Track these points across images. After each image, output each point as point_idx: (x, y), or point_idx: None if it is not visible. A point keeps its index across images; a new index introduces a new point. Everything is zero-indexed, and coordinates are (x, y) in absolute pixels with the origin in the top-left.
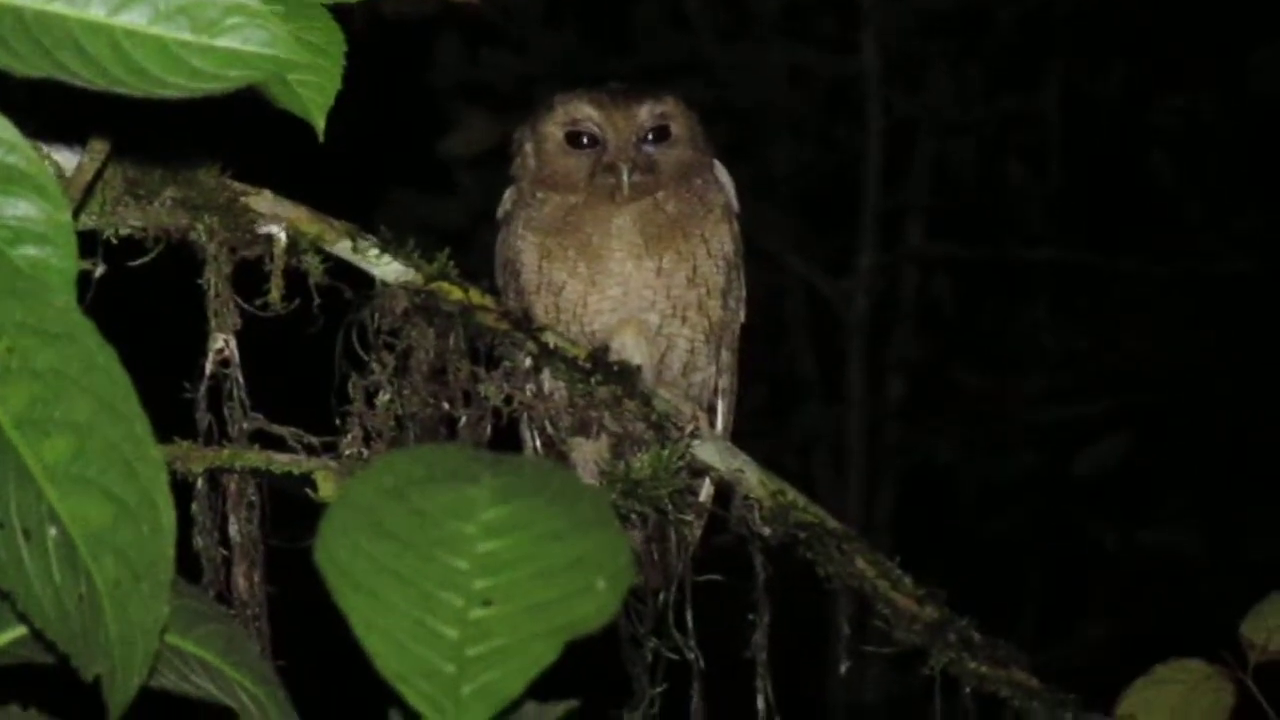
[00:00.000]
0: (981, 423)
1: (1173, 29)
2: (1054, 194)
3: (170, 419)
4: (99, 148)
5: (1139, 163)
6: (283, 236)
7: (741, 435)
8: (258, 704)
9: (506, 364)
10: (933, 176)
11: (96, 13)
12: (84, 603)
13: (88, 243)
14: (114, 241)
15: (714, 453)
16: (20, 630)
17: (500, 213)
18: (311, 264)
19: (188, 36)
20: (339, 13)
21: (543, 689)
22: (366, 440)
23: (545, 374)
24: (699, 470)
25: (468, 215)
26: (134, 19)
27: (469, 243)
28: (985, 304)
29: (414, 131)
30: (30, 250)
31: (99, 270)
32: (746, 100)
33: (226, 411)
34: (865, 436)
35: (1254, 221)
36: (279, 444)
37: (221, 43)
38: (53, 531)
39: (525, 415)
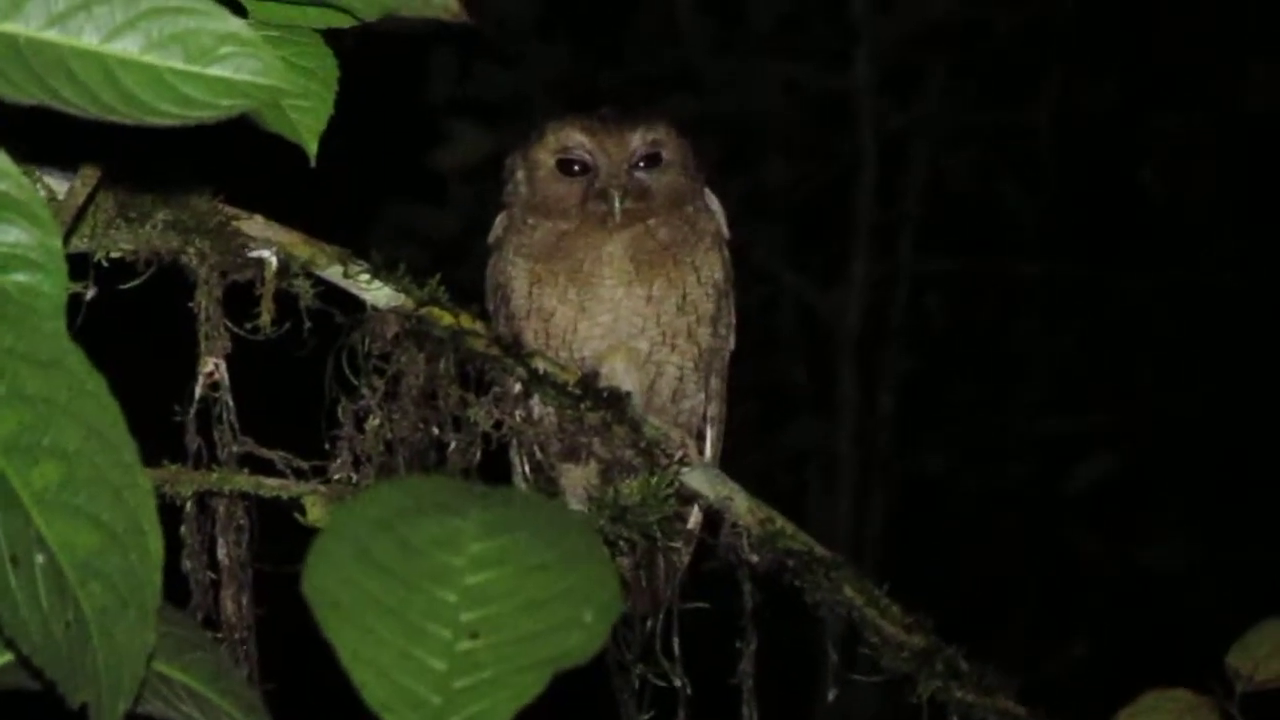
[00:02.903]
0: (973, 437)
1: (1166, 44)
2: (1046, 208)
3: (160, 442)
4: (90, 172)
5: (1132, 177)
6: (274, 260)
7: (733, 449)
8: None
9: (496, 389)
10: (926, 190)
11: (89, 40)
12: (71, 629)
13: (79, 265)
14: (105, 264)
15: (703, 480)
16: (7, 657)
17: (491, 238)
18: (302, 288)
19: (180, 65)
20: (331, 35)
21: (530, 715)
22: (356, 464)
23: (535, 399)
24: (688, 497)
25: (461, 227)
26: (127, 47)
27: (462, 255)
28: (977, 318)
29: (407, 145)
30: (20, 276)
31: (90, 293)
32: (739, 113)
33: (216, 435)
34: (857, 449)
35: (1246, 236)
36: (268, 468)
37: (214, 71)
38: (40, 558)
39: (514, 440)
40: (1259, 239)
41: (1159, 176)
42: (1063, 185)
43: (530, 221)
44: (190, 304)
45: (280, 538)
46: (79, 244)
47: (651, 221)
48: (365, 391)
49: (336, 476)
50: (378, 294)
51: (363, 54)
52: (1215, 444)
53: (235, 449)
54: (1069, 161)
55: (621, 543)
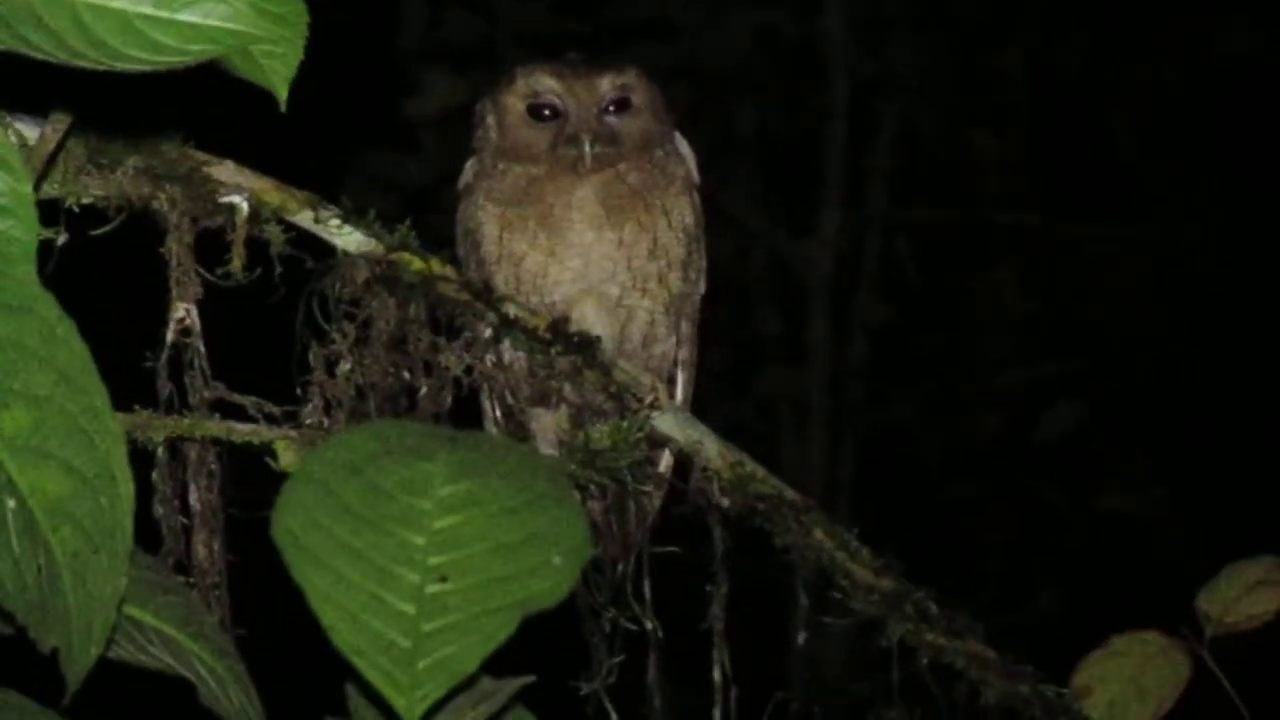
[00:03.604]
0: (943, 385)
1: None
2: (1017, 159)
3: (131, 388)
4: (61, 119)
5: (1102, 129)
6: (245, 206)
7: (705, 397)
8: (215, 676)
9: (467, 334)
10: (897, 140)
11: None
12: (42, 574)
13: (50, 211)
14: (76, 210)
15: (673, 424)
16: None
17: (461, 184)
18: (273, 234)
19: (149, 10)
20: None
21: (500, 659)
22: (327, 410)
23: (505, 344)
24: (658, 441)
25: (432, 175)
26: None
27: (433, 203)
28: (948, 267)
29: (378, 92)
30: None
31: (61, 239)
32: (710, 62)
33: (187, 380)
34: (828, 398)
35: (1214, 188)
36: (240, 413)
37: (183, 17)
38: (11, 503)
39: (485, 385)
40: (1228, 189)
41: (1129, 126)
42: (1034, 135)
43: (500, 167)
44: (161, 250)
45: (252, 483)
46: (50, 190)
47: (622, 166)
48: (336, 337)
49: (308, 422)
50: (348, 239)
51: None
52: (1182, 392)
53: (207, 394)
54: (1040, 111)
55: (592, 487)
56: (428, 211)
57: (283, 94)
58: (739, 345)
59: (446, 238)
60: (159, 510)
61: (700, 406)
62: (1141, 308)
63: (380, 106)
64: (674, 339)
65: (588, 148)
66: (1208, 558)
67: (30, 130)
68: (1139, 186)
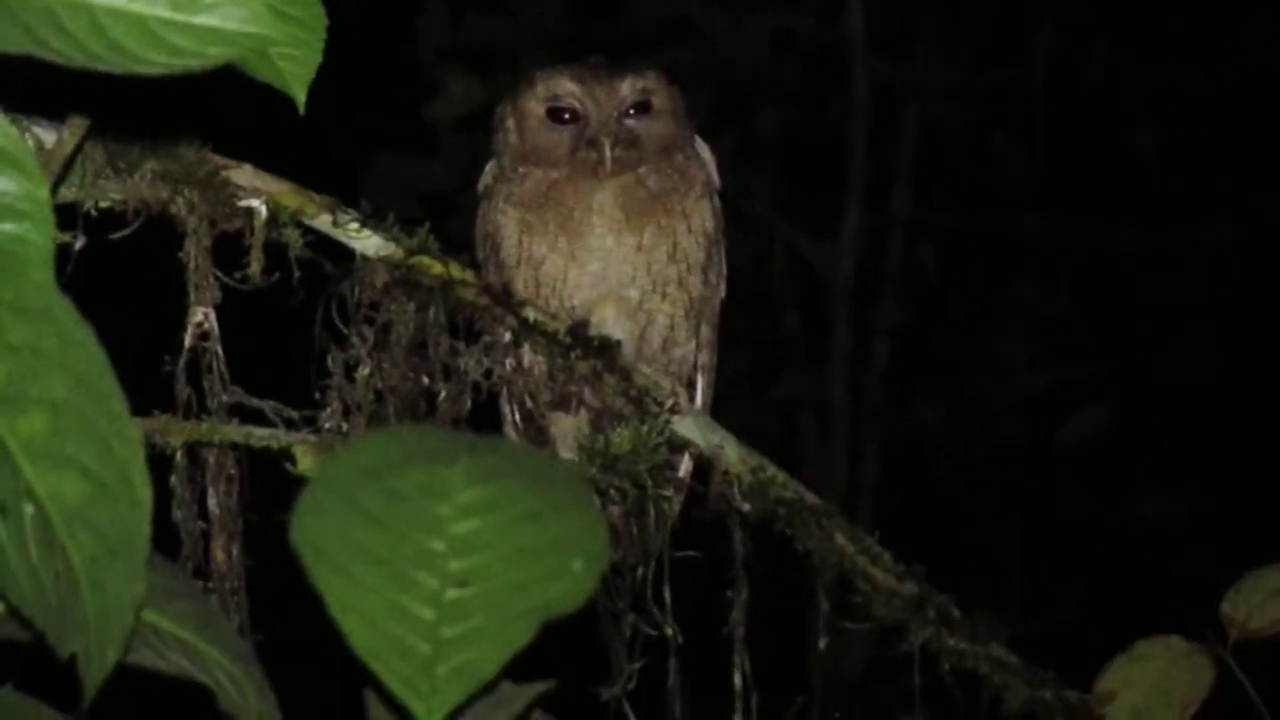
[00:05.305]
0: (966, 389)
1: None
2: (1039, 162)
3: (150, 392)
4: (79, 122)
5: (1126, 131)
6: (263, 210)
7: (726, 400)
8: (233, 681)
9: (486, 338)
10: (919, 142)
11: None
12: (60, 580)
13: (68, 215)
14: (94, 214)
15: (693, 428)
16: None
17: (481, 187)
18: (292, 237)
19: (168, 14)
20: None
21: (519, 664)
22: (346, 414)
23: (525, 348)
24: (678, 445)
25: (451, 178)
26: None
27: (452, 206)
28: (970, 270)
29: (398, 95)
30: (8, 226)
31: (79, 243)
32: (732, 64)
33: (206, 385)
34: (850, 401)
35: (1238, 193)
36: (258, 417)
37: (201, 20)
38: (29, 508)
39: (505, 389)
40: (1252, 194)
41: (1153, 131)
42: (1056, 138)
43: (520, 170)
44: (179, 254)
45: (270, 487)
46: (68, 194)
47: (642, 170)
48: (355, 341)
49: (327, 426)
50: (367, 243)
51: (354, 3)
52: (1208, 398)
53: (225, 399)
54: (1062, 115)
55: (612, 491)
56: (447, 214)
57: (301, 97)
58: (760, 348)
59: (466, 241)
60: (177, 515)
61: (720, 409)
62: (1165, 312)
63: (399, 109)
64: (694, 343)
65: (608, 151)
66: (1231, 564)
67: (48, 134)
68: (1162, 190)
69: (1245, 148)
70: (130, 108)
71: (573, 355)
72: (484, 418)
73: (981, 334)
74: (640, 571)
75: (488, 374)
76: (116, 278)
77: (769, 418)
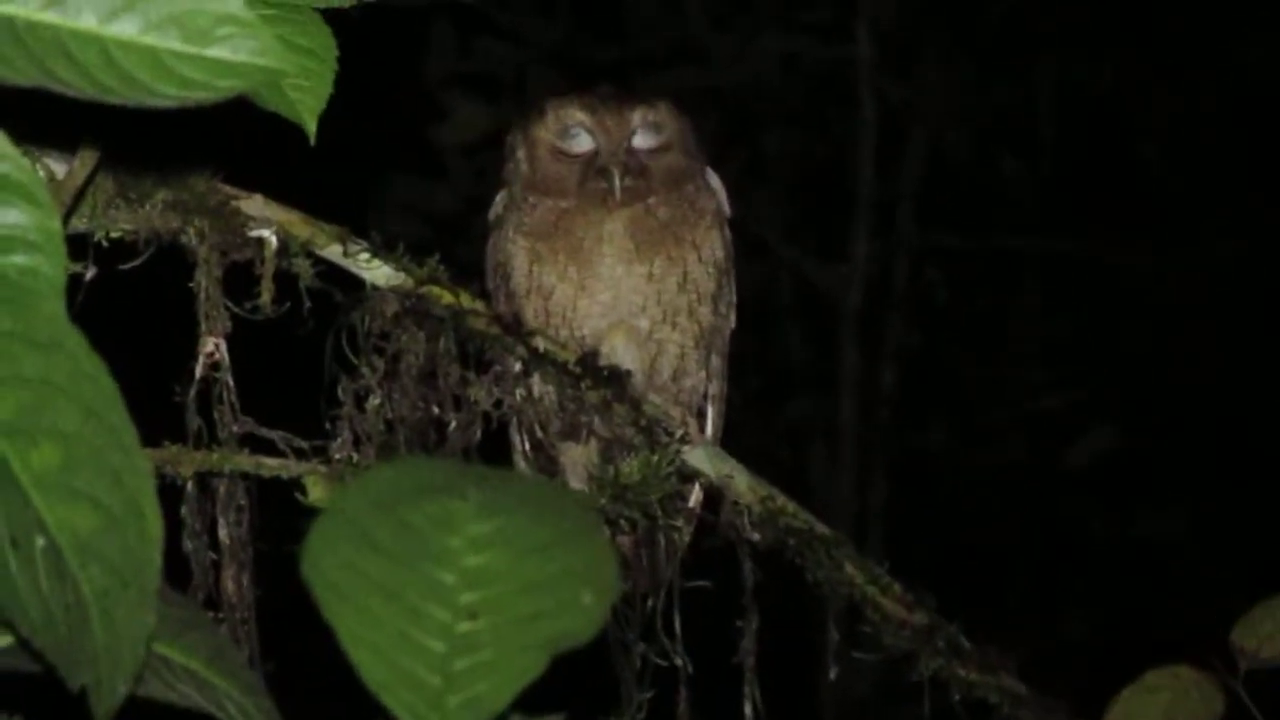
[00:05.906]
0: (974, 410)
1: (1165, 18)
2: (1046, 184)
3: (160, 422)
4: (89, 153)
5: (1130, 153)
6: (273, 240)
7: (733, 424)
8: (243, 712)
9: (496, 368)
10: (926, 165)
11: (88, 22)
12: (71, 611)
13: (78, 246)
14: (105, 244)
15: (703, 458)
16: (7, 639)
17: (492, 216)
18: (302, 267)
19: (178, 46)
20: (330, 13)
21: (530, 695)
22: (356, 444)
23: (535, 378)
24: (688, 475)
25: (460, 203)
26: (125, 28)
27: (462, 230)
28: (979, 292)
29: (407, 120)
30: (19, 258)
31: (90, 274)
32: (739, 87)
33: (216, 415)
34: (858, 424)
35: (1245, 211)
36: (269, 447)
37: (212, 53)
38: (40, 540)
39: (515, 419)
40: (1259, 212)
41: (1158, 150)
42: (1062, 160)
43: (530, 200)
44: (190, 284)
45: (281, 517)
46: (78, 225)
47: (652, 200)
48: (365, 371)
49: (337, 456)
50: (377, 273)
51: (362, 30)
52: (1216, 419)
53: (235, 429)
54: (1069, 136)
55: (622, 521)
56: (456, 239)
57: (311, 127)
58: (768, 372)
59: (475, 266)
60: (188, 545)
61: (729, 434)
62: (1173, 332)
63: (408, 133)
64: (704, 373)
65: (618, 181)
66: (1240, 586)
67: (59, 165)
68: (1170, 210)
69: (1251, 167)
70: (140, 138)
71: (583, 385)
72: (494, 447)
73: (989, 355)
74: (650, 601)
75: (498, 404)
76: (127, 308)
77: (777, 441)
